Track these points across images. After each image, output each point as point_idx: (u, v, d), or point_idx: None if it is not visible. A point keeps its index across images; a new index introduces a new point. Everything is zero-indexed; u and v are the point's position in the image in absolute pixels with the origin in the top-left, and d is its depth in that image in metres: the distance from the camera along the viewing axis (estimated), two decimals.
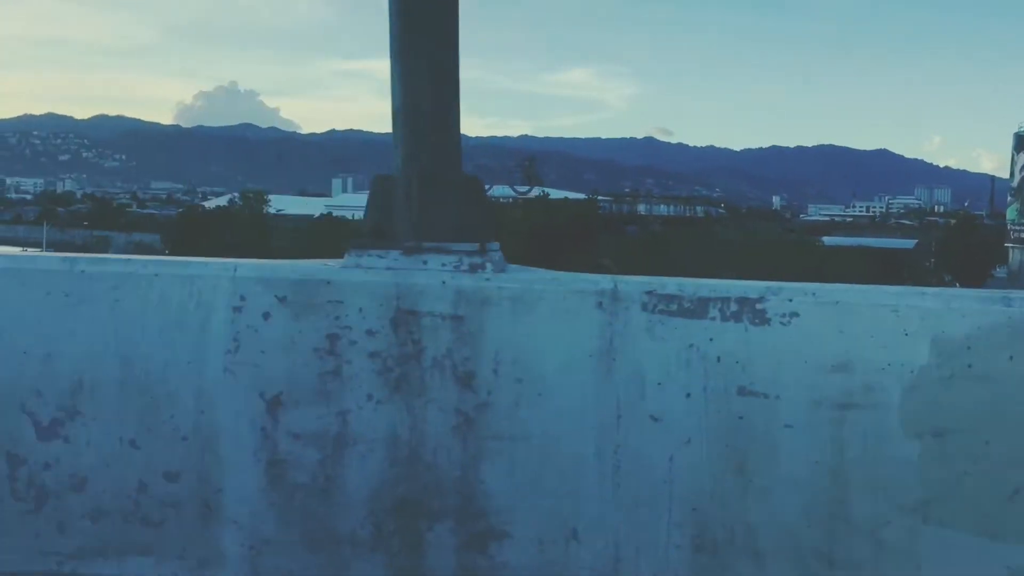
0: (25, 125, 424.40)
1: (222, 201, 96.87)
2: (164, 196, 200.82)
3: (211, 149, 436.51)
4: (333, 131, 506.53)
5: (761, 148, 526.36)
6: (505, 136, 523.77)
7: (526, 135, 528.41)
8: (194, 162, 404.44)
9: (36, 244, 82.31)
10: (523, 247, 38.73)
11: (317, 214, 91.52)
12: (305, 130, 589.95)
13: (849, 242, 66.25)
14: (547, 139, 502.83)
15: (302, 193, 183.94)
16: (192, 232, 51.10)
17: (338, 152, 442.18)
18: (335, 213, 69.99)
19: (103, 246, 56.78)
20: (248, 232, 51.51)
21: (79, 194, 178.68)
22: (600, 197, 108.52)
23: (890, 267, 46.38)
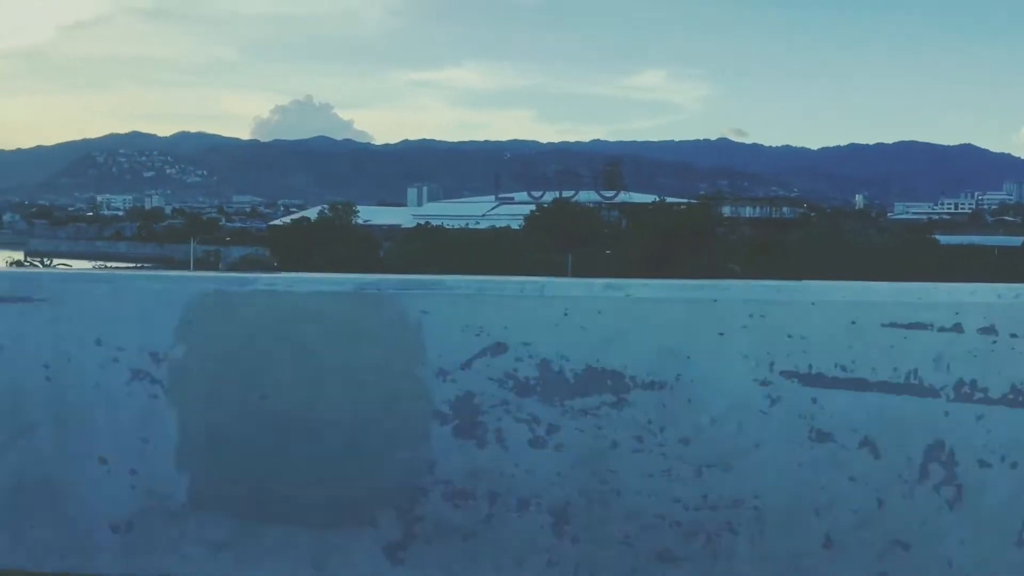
0: (112, 144, 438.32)
1: (311, 213, 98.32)
2: (248, 209, 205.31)
3: (288, 162, 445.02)
4: (406, 141, 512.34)
5: (839, 146, 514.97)
6: (576, 141, 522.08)
7: (598, 139, 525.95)
8: (272, 175, 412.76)
9: (138, 260, 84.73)
10: (637, 252, 38.39)
11: (404, 223, 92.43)
12: (379, 141, 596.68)
13: (958, 240, 64.17)
14: (619, 143, 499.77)
15: (380, 203, 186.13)
16: (300, 244, 51.90)
17: (411, 162, 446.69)
18: (432, 223, 70.35)
19: (215, 261, 58.01)
20: (357, 243, 52.15)
21: (168, 210, 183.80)
22: (679, 199, 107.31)
23: (1015, 265, 44.61)
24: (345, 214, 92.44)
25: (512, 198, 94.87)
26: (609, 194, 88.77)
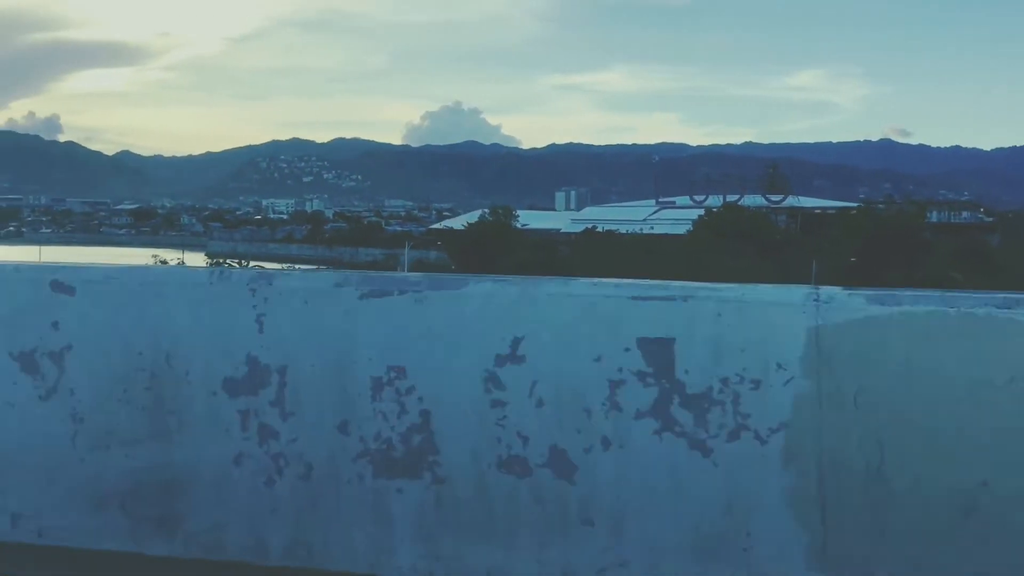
0: (273, 150, 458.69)
1: (469, 217, 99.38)
2: (403, 213, 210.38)
3: (438, 167, 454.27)
4: (553, 145, 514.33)
5: (1015, 146, 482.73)
6: (728, 144, 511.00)
7: (749, 142, 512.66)
8: (423, 180, 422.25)
9: (309, 262, 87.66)
10: (845, 258, 36.35)
11: (563, 228, 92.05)
12: (526, 145, 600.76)
13: None
14: (773, 145, 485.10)
15: (530, 207, 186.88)
16: (476, 248, 52.10)
17: (559, 166, 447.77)
18: (597, 227, 69.38)
19: (391, 264, 59.03)
20: (530, 247, 51.99)
21: (329, 213, 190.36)
22: (844, 204, 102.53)
23: None
24: (505, 217, 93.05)
25: (673, 202, 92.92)
26: (776, 198, 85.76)
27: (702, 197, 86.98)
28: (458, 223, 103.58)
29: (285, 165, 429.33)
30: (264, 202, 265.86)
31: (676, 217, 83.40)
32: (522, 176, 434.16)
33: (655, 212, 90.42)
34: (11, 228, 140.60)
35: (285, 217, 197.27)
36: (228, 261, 77.30)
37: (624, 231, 72.76)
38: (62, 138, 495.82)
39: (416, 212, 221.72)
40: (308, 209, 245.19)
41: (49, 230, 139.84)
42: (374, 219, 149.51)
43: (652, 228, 78.35)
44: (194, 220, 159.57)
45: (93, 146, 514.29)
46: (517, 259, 43.02)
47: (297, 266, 71.36)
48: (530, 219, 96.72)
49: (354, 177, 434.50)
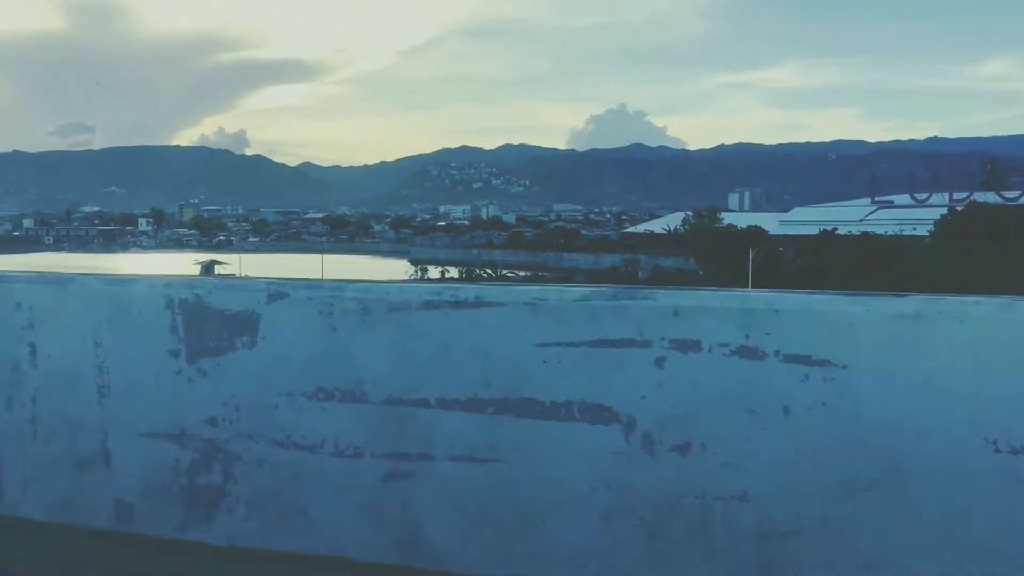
0: (444, 158, 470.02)
1: (672, 219, 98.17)
2: (580, 218, 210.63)
3: (605, 170, 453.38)
4: (722, 146, 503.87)
5: None
6: (910, 139, 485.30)
7: (934, 136, 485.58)
8: (590, 184, 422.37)
9: (517, 267, 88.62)
10: None
11: (770, 230, 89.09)
12: (693, 146, 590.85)
13: None
14: (961, 139, 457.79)
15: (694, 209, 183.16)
16: (721, 253, 50.81)
17: (728, 166, 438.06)
18: (837, 230, 66.08)
19: (633, 271, 58.43)
20: (804, 252, 50.26)
21: (509, 218, 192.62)
22: None
23: None
24: (710, 220, 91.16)
25: (892, 201, 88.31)
26: (1011, 195, 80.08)
27: (924, 195, 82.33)
28: (657, 226, 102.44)
29: (456, 172, 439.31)
30: (442, 208, 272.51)
31: (897, 217, 79.23)
32: (690, 178, 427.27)
33: (872, 212, 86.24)
34: (221, 238, 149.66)
35: (466, 223, 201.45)
36: (445, 269, 79.03)
37: (844, 232, 69.56)
38: (249, 152, 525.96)
39: (593, 216, 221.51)
40: (484, 215, 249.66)
41: (256, 239, 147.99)
42: (558, 223, 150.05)
43: (866, 229, 74.56)
44: (386, 227, 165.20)
45: (277, 158, 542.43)
46: (816, 265, 41.04)
47: (540, 273, 71.73)
48: (734, 220, 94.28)
49: (522, 183, 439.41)
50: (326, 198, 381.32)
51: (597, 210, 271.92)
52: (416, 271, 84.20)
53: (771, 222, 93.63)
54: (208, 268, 54.14)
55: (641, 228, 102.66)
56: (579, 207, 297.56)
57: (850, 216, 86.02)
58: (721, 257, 49.63)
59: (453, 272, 78.06)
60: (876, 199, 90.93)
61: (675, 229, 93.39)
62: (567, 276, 71.94)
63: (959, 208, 60.79)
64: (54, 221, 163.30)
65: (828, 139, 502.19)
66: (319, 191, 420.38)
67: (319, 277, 4.26)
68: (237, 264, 60.75)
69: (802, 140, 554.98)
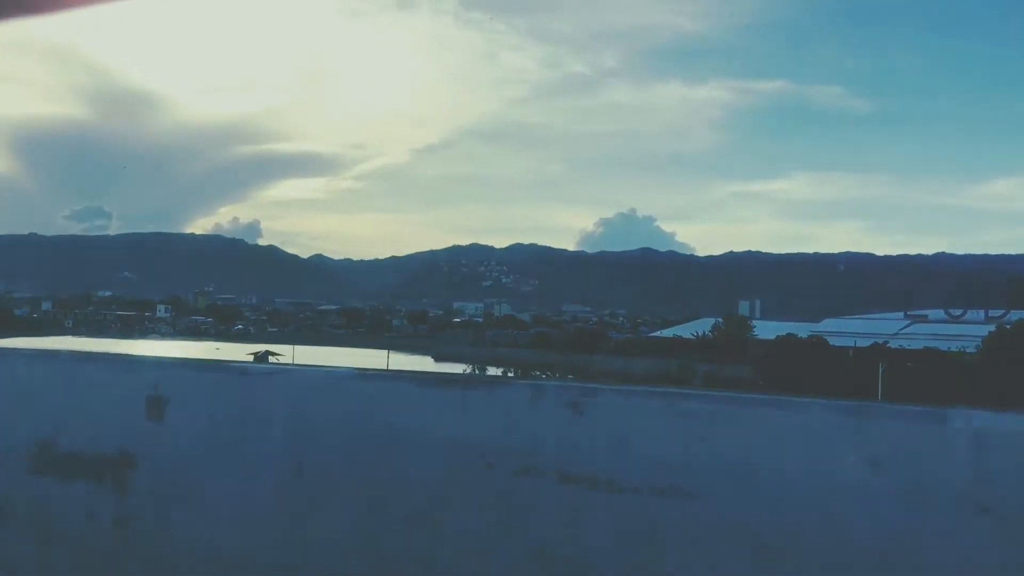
0: (455, 254, 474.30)
1: (701, 325, 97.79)
2: (595, 320, 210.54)
3: (613, 273, 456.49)
4: (731, 252, 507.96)
5: None
6: (918, 253, 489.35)
7: (942, 252, 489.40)
8: (599, 285, 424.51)
9: (543, 368, 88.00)
10: None
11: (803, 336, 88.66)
12: (702, 252, 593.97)
13: None
14: (969, 256, 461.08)
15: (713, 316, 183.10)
16: (785, 362, 50.43)
17: (736, 274, 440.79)
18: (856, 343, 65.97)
19: (688, 375, 57.87)
20: (852, 363, 49.91)
21: (525, 317, 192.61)
22: None
23: None
24: (741, 327, 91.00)
25: (926, 316, 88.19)
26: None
27: (959, 312, 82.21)
28: (681, 331, 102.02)
29: (466, 269, 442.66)
30: (455, 304, 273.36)
31: (933, 332, 78.85)
32: (699, 283, 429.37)
33: (906, 327, 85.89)
34: (239, 327, 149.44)
35: (480, 320, 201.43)
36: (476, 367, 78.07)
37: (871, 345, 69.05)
38: (262, 242, 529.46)
39: (606, 318, 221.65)
40: (498, 313, 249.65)
41: (275, 329, 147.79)
42: (575, 324, 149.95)
43: (907, 344, 73.99)
44: (404, 321, 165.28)
45: (290, 249, 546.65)
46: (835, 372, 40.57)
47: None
48: (762, 329, 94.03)
49: (531, 282, 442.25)
50: (337, 290, 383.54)
51: (608, 312, 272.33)
52: (473, 368, 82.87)
53: (802, 332, 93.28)
54: (262, 358, 53.69)
55: (669, 332, 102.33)
56: (588, 308, 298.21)
57: (885, 329, 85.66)
58: (782, 367, 49.10)
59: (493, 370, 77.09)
60: (909, 313, 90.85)
61: (703, 335, 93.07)
62: (601, 378, 71.13)
63: (1007, 325, 60.61)
64: (72, 305, 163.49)
65: (836, 250, 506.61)
66: (330, 283, 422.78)
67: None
68: (291, 354, 60.15)
69: (810, 250, 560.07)
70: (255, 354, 56.04)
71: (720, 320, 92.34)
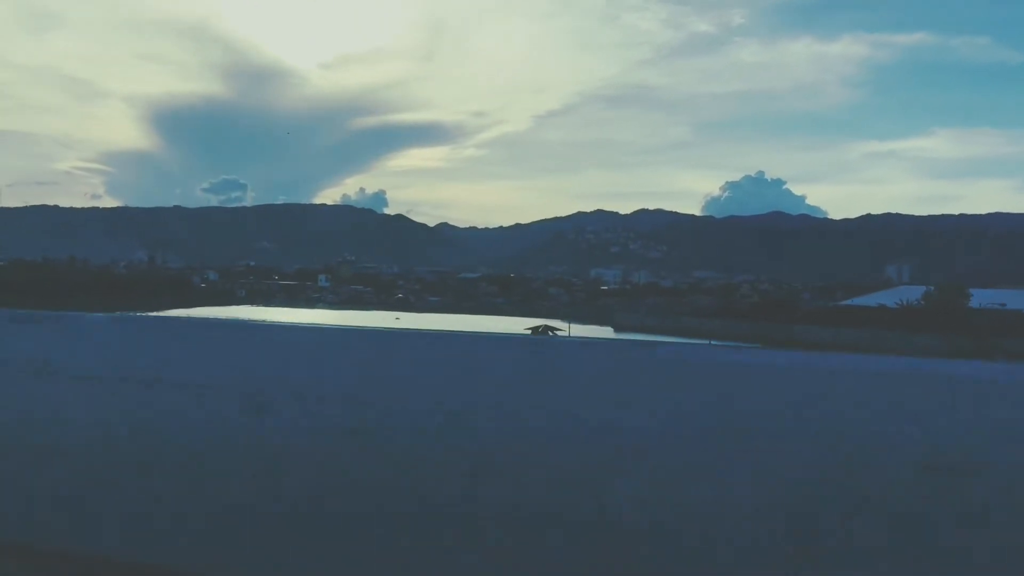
0: (580, 221, 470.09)
1: (896, 294, 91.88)
2: (761, 287, 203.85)
3: (743, 238, 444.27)
4: (868, 215, 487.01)
5: None
6: None
7: None
8: (728, 250, 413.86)
9: (737, 339, 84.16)
10: None
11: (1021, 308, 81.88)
12: (835, 216, 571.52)
13: None
14: None
15: (846, 282, 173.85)
16: None
17: (874, 237, 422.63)
18: None
19: (987, 352, 53.34)
20: None
21: (666, 283, 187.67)
22: None
23: None
24: (960, 296, 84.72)
25: None
26: None
27: None
28: (884, 299, 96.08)
29: (592, 235, 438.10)
30: (592, 272, 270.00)
31: None
32: (831, 247, 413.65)
33: None
34: (399, 297, 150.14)
35: (615, 287, 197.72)
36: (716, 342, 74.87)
37: None
38: (390, 211, 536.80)
39: (763, 287, 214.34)
40: (638, 280, 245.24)
41: (436, 299, 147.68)
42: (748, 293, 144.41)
43: None
44: (562, 291, 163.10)
45: (417, 218, 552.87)
46: None
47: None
48: (981, 298, 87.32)
49: (659, 248, 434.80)
50: (465, 258, 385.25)
51: (743, 279, 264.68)
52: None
53: (1011, 302, 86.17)
54: (543, 334, 51.62)
55: (871, 301, 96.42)
56: (718, 274, 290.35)
57: None
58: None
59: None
60: None
61: (908, 303, 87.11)
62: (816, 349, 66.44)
63: None
64: (237, 275, 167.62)
65: (984, 211, 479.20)
66: (457, 251, 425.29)
67: None
68: (566, 329, 58.18)
69: (955, 212, 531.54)
70: (534, 328, 53.24)
71: (932, 288, 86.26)
